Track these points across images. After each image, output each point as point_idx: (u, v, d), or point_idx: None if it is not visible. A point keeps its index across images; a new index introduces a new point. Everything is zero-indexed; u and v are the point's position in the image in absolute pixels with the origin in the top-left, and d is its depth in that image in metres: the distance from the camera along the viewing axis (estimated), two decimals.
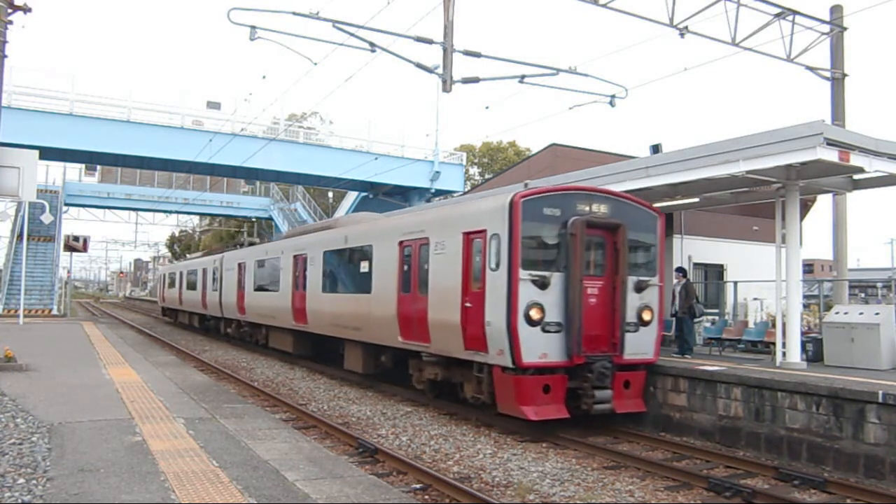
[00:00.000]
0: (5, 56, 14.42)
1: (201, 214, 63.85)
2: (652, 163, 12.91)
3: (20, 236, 30.98)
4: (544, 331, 10.13)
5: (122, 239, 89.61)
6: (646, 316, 11.13)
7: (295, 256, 19.01)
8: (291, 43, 14.23)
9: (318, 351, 18.68)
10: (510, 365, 10.06)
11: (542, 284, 10.18)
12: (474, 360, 10.96)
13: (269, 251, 21.95)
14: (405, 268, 13.09)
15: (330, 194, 54.30)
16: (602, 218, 10.84)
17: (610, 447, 9.82)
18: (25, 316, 26.58)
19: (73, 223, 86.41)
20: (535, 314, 10.05)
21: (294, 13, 12.69)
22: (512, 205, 10.23)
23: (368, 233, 15.22)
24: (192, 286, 32.05)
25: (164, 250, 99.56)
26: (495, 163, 61.53)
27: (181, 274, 35.19)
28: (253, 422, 9.15)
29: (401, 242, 13.23)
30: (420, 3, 14.80)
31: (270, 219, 54.04)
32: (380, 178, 35.42)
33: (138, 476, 6.21)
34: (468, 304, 10.94)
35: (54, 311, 33.12)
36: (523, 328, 9.97)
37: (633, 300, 10.95)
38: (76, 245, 35.98)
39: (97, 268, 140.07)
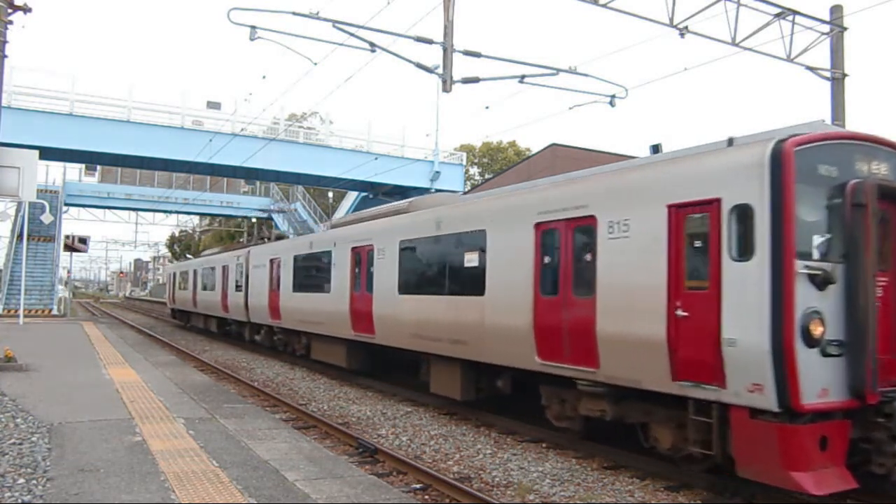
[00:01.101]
0: (5, 56, 14.45)
1: (201, 214, 63.93)
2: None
3: (20, 236, 31.01)
4: (824, 354, 6.78)
5: (122, 239, 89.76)
6: None
7: (354, 249, 15.33)
8: (291, 43, 14.23)
9: (384, 366, 15.76)
10: (774, 407, 6.67)
11: (823, 282, 6.82)
12: (691, 395, 7.53)
13: (314, 243, 18.09)
14: (546, 260, 9.60)
15: (330, 194, 54.36)
16: (891, 182, 7.45)
17: (610, 447, 9.80)
18: (25, 316, 26.62)
19: (73, 223, 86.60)
20: (815, 329, 6.67)
21: (294, 13, 12.69)
22: (780, 157, 6.81)
23: (478, 214, 11.24)
24: (209, 286, 28.43)
25: (164, 250, 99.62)
26: (495, 163, 61.54)
27: (195, 272, 31.30)
28: (253, 422, 9.17)
29: (539, 225, 9.65)
30: (420, 3, 14.80)
31: (270, 219, 54.10)
32: (380, 178, 35.46)
33: (138, 476, 6.22)
34: (682, 313, 7.55)
35: (54, 311, 33.14)
36: (802, 351, 6.62)
37: None
38: (72, 244, 35.91)
39: (97, 268, 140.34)
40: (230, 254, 26.47)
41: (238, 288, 23.75)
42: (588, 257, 8.87)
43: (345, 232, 16.57)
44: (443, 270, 12.29)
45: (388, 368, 15.72)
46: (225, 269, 25.98)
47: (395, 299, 13.43)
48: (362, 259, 15.04)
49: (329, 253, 16.74)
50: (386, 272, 13.83)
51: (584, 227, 8.99)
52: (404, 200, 15.26)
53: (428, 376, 12.79)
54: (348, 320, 15.22)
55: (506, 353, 10.30)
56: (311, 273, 18.15)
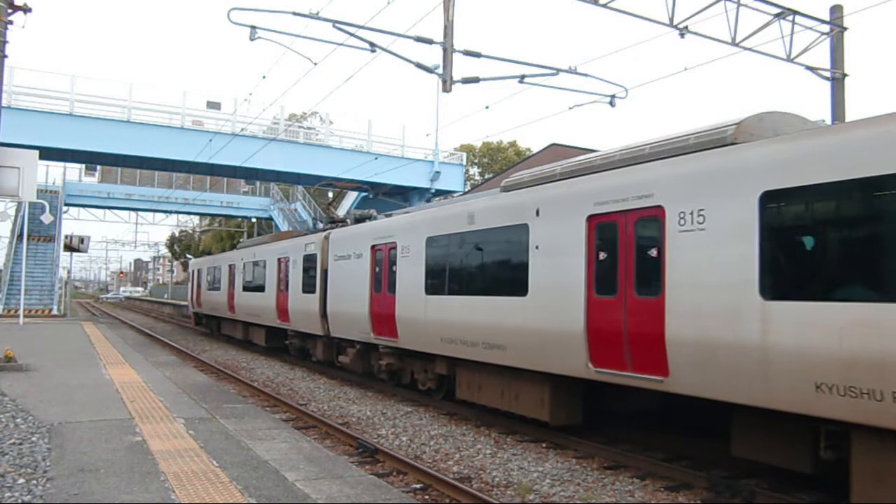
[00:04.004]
0: (5, 56, 14.45)
1: (201, 214, 63.90)
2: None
3: (20, 236, 31.05)
4: None
5: (122, 239, 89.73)
6: None
7: (597, 220, 8.75)
8: (291, 43, 14.24)
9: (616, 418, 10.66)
10: None
11: None
12: None
13: (478, 215, 11.16)
14: None
15: (330, 194, 54.36)
16: None
17: (610, 447, 9.80)
18: (25, 316, 26.64)
19: (73, 223, 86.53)
20: None
21: (294, 13, 12.69)
22: None
23: None
24: (255, 286, 22.26)
25: (164, 250, 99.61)
26: (495, 163, 61.55)
27: (232, 268, 25.30)
28: (253, 422, 9.17)
29: None
30: (420, 3, 14.82)
31: (270, 219, 54.14)
32: (380, 178, 35.49)
33: (138, 476, 6.22)
34: None
35: (54, 311, 33.16)
36: None
37: None
38: (73, 244, 35.89)
39: (97, 268, 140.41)
40: (292, 241, 19.92)
41: (308, 288, 17.59)
42: None
43: (560, 191, 9.62)
44: None
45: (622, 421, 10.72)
46: (283, 262, 19.70)
47: (752, 310, 6.84)
48: (624, 237, 8.38)
49: (520, 230, 10.07)
50: (714, 258, 7.29)
51: None
52: (725, 124, 8.03)
53: (843, 474, 6.57)
54: (582, 344, 8.77)
55: None
56: (472, 264, 11.47)
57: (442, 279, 11.99)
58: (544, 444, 10.03)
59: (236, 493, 5.83)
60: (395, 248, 13.48)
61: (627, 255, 8.34)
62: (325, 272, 16.75)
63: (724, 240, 7.26)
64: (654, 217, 7.99)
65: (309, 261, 17.75)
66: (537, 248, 9.74)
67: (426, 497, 7.69)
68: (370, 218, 16.72)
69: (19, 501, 5.48)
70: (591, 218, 8.80)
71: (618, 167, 8.90)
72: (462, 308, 11.37)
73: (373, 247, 14.40)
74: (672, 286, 7.65)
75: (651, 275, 8.00)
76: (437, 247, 12.16)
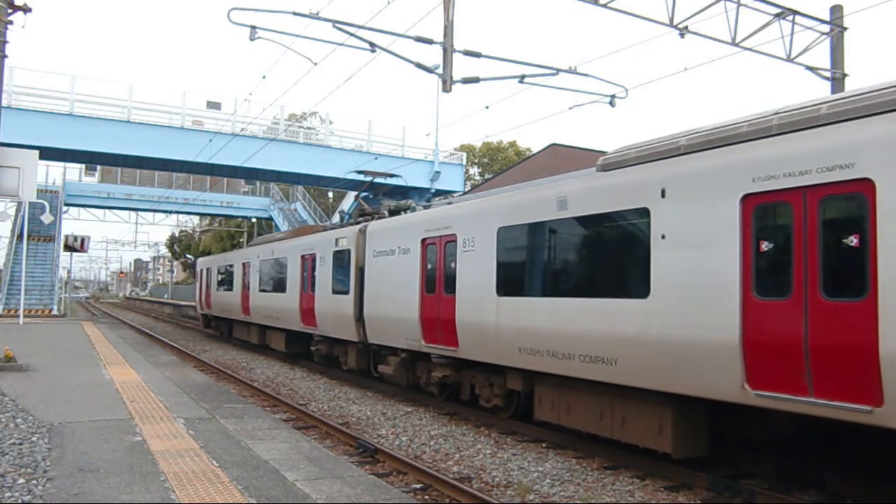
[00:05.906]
0: (5, 56, 14.45)
1: (201, 214, 63.97)
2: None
3: (20, 236, 31.07)
4: None
5: (122, 239, 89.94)
6: None
7: None
8: (291, 43, 14.24)
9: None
10: None
11: None
12: None
13: (603, 195, 8.75)
14: None
15: (330, 194, 54.37)
16: None
17: (610, 447, 9.78)
18: (25, 316, 26.65)
19: (73, 223, 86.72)
20: None
21: (294, 13, 12.70)
22: None
23: None
24: (274, 286, 20.47)
25: (164, 250, 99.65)
26: (495, 163, 61.57)
27: (246, 266, 23.38)
28: (253, 422, 9.17)
29: None
30: (420, 3, 14.81)
31: (270, 219, 54.15)
32: (379, 178, 35.53)
33: (138, 476, 6.22)
34: None
35: (54, 311, 33.18)
36: None
37: None
38: (71, 244, 35.91)
39: (97, 268, 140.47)
40: (319, 236, 17.80)
41: (340, 289, 15.65)
42: None
43: (695, 166, 7.59)
44: None
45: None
46: (308, 260, 17.78)
47: None
48: (802, 220, 6.47)
49: (637, 216, 8.12)
50: None
51: None
52: None
53: None
54: (735, 360, 6.83)
55: None
56: (565, 259, 9.54)
57: (521, 278, 10.07)
58: (544, 444, 10.02)
59: (236, 493, 5.83)
60: (453, 240, 11.44)
61: (809, 244, 6.31)
62: (360, 270, 14.75)
63: None
64: (854, 194, 6.01)
65: (340, 257, 15.67)
66: (664, 237, 7.68)
67: (426, 497, 7.69)
68: (408, 209, 14.99)
69: (19, 501, 5.48)
70: (747, 198, 6.81)
71: (779, 133, 6.93)
72: (550, 312, 9.28)
73: (423, 240, 12.33)
74: (889, 284, 5.67)
75: (850, 270, 6.07)
76: (513, 239, 10.14)
